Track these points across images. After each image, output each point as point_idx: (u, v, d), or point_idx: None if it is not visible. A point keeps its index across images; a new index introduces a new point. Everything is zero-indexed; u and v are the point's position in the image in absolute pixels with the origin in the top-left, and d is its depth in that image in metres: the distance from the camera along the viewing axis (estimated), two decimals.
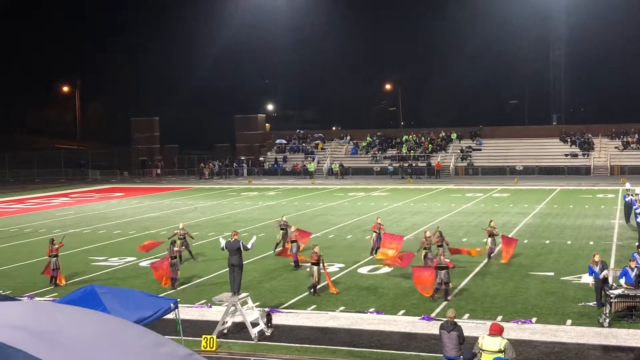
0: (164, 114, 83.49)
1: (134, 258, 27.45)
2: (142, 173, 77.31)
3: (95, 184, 67.31)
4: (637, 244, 23.23)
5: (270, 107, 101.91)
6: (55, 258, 22.86)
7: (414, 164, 69.25)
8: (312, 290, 20.80)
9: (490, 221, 26.35)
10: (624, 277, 18.05)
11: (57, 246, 23.15)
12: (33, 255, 28.63)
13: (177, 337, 14.43)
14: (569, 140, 69.09)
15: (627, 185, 35.53)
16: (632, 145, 66.72)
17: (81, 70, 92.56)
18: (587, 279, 20.50)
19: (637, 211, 29.25)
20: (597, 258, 18.73)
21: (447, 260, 20.04)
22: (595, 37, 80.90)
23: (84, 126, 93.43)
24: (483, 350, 12.13)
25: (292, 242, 25.11)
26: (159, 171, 76.77)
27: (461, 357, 12.82)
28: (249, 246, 18.35)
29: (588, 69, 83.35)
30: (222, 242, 18.78)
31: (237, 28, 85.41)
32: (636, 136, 67.34)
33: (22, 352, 3.55)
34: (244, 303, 17.40)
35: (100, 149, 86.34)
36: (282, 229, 27.15)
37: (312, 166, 70.46)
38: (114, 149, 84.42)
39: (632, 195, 32.85)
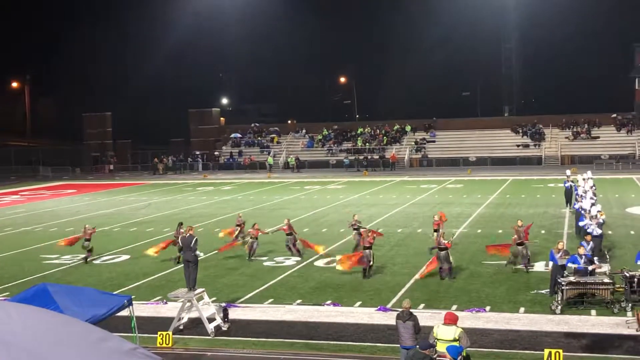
0: (117, 109, 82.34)
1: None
2: (95, 169, 76.24)
3: (47, 181, 66.15)
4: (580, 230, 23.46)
5: (225, 101, 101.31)
6: (87, 241, 25.60)
7: (369, 157, 69.57)
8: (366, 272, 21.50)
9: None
10: (572, 263, 18.33)
11: (90, 231, 25.80)
12: None
13: (132, 334, 14.30)
14: (520, 131, 70.11)
15: (567, 172, 36.24)
16: (581, 135, 67.99)
17: (31, 65, 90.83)
18: (540, 267, 20.91)
19: (577, 194, 29.81)
20: (560, 246, 18.96)
21: (446, 242, 21.11)
22: (545, 30, 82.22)
23: (34, 122, 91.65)
24: (438, 339, 12.23)
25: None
26: (111, 167, 75.85)
27: (417, 346, 12.91)
28: (198, 253, 18.44)
29: (538, 62, 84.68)
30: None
31: (191, 22, 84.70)
32: (585, 126, 68.65)
33: None
34: (200, 298, 17.29)
35: (51, 145, 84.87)
36: (355, 229, 25.59)
37: (271, 160, 70.35)
38: (65, 145, 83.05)
39: (571, 181, 33.59)
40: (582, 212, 24.84)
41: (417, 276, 21.42)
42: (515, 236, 22.45)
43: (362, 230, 23.93)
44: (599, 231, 22.13)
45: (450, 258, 21.10)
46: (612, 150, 64.11)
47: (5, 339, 3.29)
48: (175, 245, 24.20)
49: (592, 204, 25.71)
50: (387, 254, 25.10)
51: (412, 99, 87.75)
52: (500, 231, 29.12)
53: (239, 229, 26.81)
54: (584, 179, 31.44)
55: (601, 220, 23.46)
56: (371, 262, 21.79)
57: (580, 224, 23.41)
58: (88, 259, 25.89)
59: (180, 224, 25.12)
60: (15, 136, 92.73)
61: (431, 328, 12.81)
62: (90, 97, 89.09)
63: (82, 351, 3.42)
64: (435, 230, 23.89)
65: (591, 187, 30.65)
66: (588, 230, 22.36)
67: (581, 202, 26.75)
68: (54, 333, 3.54)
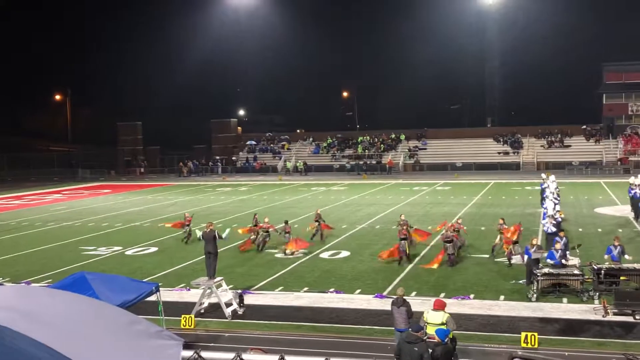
0: (147, 119, 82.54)
1: (120, 248, 27.13)
2: (127, 172, 76.30)
3: (85, 182, 66.28)
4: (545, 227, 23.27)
5: (241, 112, 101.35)
6: (188, 226, 27.49)
7: (368, 162, 69.48)
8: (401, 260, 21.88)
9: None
10: (550, 259, 18.32)
11: (189, 218, 27.99)
12: (30, 246, 28.15)
13: (159, 317, 14.32)
14: (501, 140, 69.93)
15: (543, 175, 36.19)
16: (555, 144, 67.80)
17: (72, 80, 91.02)
18: (518, 259, 20.84)
19: (544, 195, 29.79)
20: (534, 242, 18.97)
21: (454, 234, 22.24)
22: (523, 52, 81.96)
23: (74, 130, 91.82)
24: (428, 323, 12.22)
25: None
26: (142, 170, 75.93)
27: (409, 329, 12.88)
28: (223, 236, 18.30)
29: (518, 79, 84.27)
30: (199, 233, 18.79)
31: (212, 41, 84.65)
32: (559, 136, 68.45)
33: (7, 328, 3.51)
34: (219, 286, 17.29)
35: (89, 150, 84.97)
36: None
37: (289, 164, 70.28)
38: (101, 150, 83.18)
39: (545, 181, 33.62)
40: (545, 211, 24.88)
41: (427, 265, 21.40)
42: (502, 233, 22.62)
43: (401, 222, 24.05)
44: (554, 229, 22.11)
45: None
46: (582, 158, 63.86)
47: (48, 320, 3.33)
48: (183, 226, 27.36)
49: (556, 204, 25.76)
50: (383, 248, 25.04)
51: (406, 111, 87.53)
52: (483, 228, 29.07)
53: (255, 227, 26.52)
54: (551, 182, 31.63)
55: (559, 219, 23.47)
56: (407, 252, 22.14)
57: (543, 221, 23.33)
58: (187, 241, 27.21)
59: (255, 215, 26.52)
60: (58, 142, 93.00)
61: (422, 313, 12.80)
62: (124, 109, 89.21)
63: (114, 333, 3.44)
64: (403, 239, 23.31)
65: (555, 189, 30.79)
66: (544, 229, 22.37)
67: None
68: (89, 316, 3.56)
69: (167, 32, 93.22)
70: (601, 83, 70.19)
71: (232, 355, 3.37)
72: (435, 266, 21.06)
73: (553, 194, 29.42)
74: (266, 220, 25.75)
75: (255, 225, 26.36)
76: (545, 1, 78.90)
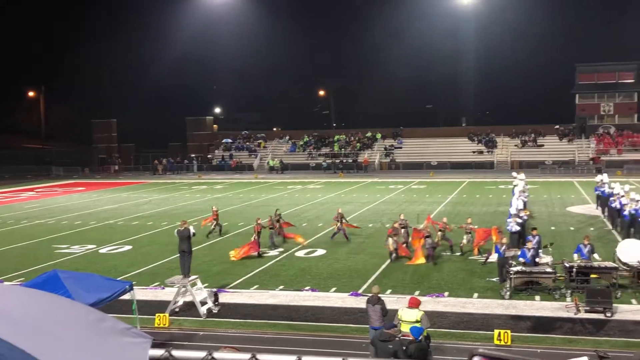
0: (122, 116, 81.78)
1: (94, 246, 26.86)
2: (102, 169, 75.52)
3: (59, 180, 65.44)
4: (506, 226, 23.42)
5: (217, 110, 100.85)
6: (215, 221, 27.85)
7: (344, 160, 69.56)
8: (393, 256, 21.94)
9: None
10: (522, 257, 18.51)
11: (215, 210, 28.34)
12: (3, 244, 27.75)
13: (133, 316, 14.20)
14: (475, 139, 70.43)
15: (514, 174, 36.70)
16: (528, 143, 68.48)
17: (46, 77, 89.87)
18: (492, 258, 21.00)
19: (514, 194, 30.21)
20: (504, 240, 19.16)
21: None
22: (498, 52, 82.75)
23: (48, 128, 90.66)
24: (402, 320, 12.26)
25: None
26: (116, 167, 75.20)
27: (384, 327, 12.93)
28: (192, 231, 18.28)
29: (492, 80, 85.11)
30: (192, 230, 18.68)
31: (188, 39, 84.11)
32: (532, 136, 69.14)
33: None
34: (194, 284, 17.19)
35: (63, 148, 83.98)
36: (403, 227, 24.28)
37: (272, 162, 70.04)
38: (75, 147, 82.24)
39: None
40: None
41: (412, 262, 21.71)
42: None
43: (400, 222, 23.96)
44: (517, 228, 22.35)
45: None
46: (555, 157, 64.59)
47: (15, 318, 3.29)
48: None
49: (524, 203, 26.07)
50: (359, 246, 25.13)
51: (382, 110, 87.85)
52: (453, 226, 29.21)
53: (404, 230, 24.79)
54: (519, 180, 32.18)
55: (525, 218, 23.73)
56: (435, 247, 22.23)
57: (508, 220, 23.54)
58: (221, 231, 28.19)
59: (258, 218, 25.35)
60: (31, 139, 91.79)
61: (397, 311, 12.83)
62: (98, 106, 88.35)
63: (82, 329, 3.42)
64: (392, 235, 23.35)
65: (524, 187, 31.32)
66: (507, 228, 22.59)
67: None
68: (58, 314, 3.52)
69: (142, 29, 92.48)
70: (574, 83, 71.06)
71: (203, 353, 3.34)
72: (421, 261, 21.33)
73: (524, 192, 29.87)
74: (258, 221, 25.21)
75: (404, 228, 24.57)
76: (519, 3, 79.69)
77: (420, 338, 11.29)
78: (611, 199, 28.29)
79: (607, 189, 30.91)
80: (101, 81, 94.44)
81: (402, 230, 23.75)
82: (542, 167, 61.35)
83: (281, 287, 19.34)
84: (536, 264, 18.17)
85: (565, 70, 74.17)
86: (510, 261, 18.31)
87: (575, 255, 18.61)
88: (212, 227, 28.11)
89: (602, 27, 79.24)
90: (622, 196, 27.25)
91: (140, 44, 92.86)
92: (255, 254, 23.45)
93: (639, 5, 78.90)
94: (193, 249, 18.61)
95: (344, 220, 26.70)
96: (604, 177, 33.39)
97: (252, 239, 23.97)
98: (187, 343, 14.56)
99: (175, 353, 3.48)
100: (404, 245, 22.91)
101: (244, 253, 23.18)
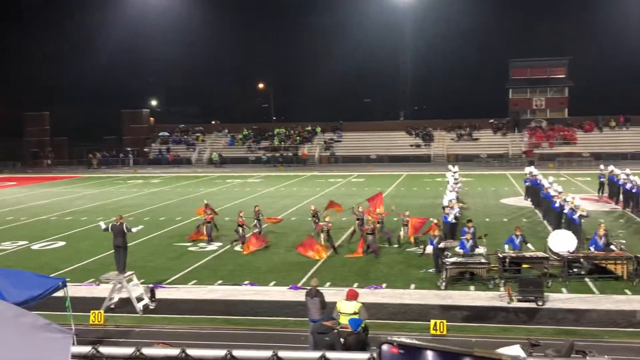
0: (55, 108, 79.32)
1: (26, 242, 26.07)
2: (34, 164, 73.18)
3: None
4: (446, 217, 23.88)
5: (154, 102, 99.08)
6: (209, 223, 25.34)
7: (284, 154, 69.49)
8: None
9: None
10: (461, 248, 18.91)
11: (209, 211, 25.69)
12: None
13: (67, 313, 13.84)
14: (413, 133, 71.44)
15: (450, 167, 37.56)
16: (464, 137, 69.90)
17: None
18: (429, 249, 21.36)
19: (448, 187, 30.93)
20: (437, 232, 19.50)
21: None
22: (434, 47, 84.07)
23: None
24: (341, 313, 12.33)
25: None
26: (49, 162, 73.05)
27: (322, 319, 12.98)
28: (133, 230, 17.90)
29: (429, 74, 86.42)
30: (102, 225, 18.29)
31: (123, 28, 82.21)
32: (468, 129, 70.59)
33: None
34: (130, 280, 16.89)
35: None
36: (358, 219, 24.40)
37: (216, 155, 69.22)
38: (6, 141, 79.36)
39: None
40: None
41: (352, 255, 21.99)
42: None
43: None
44: (453, 220, 22.82)
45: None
46: (490, 150, 66.13)
47: None
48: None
49: (457, 196, 26.68)
50: (299, 240, 25.12)
51: (321, 104, 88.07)
52: (395, 219, 29.55)
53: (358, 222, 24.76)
54: (452, 174, 32.93)
55: (457, 209, 24.27)
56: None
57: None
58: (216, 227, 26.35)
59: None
60: None
61: (335, 303, 12.91)
62: (29, 98, 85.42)
63: (0, 326, 3.32)
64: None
65: (455, 180, 32.12)
66: (443, 219, 23.06)
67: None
68: None
69: (76, 19, 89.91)
70: (508, 78, 72.87)
71: (132, 350, 3.27)
72: (360, 255, 21.60)
73: (456, 184, 30.60)
74: (241, 214, 24.72)
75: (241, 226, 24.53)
76: None
77: (358, 330, 11.38)
78: (542, 191, 29.16)
79: (543, 182, 32.04)
80: (33, 72, 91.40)
81: (357, 221, 24.45)
82: (477, 160, 62.77)
83: (219, 282, 19.20)
84: (471, 255, 18.59)
85: (499, 65, 75.99)
86: (446, 252, 18.68)
87: (507, 246, 19.13)
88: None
89: (534, 23, 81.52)
90: (548, 188, 28.21)
91: (74, 35, 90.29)
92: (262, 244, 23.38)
93: (570, 2, 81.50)
94: (130, 243, 18.26)
95: (261, 217, 26.19)
96: (532, 169, 34.62)
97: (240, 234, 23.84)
98: (122, 340, 14.29)
99: (103, 350, 3.40)
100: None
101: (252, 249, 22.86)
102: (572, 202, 22.88)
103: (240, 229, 23.91)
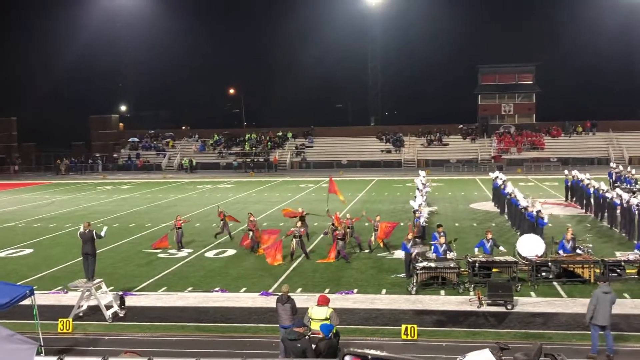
0: (22, 114, 78.13)
1: None
2: (0, 170, 71.96)
3: None
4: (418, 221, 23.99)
5: (123, 108, 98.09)
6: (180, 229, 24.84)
7: (255, 160, 69.33)
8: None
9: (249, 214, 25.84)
10: (434, 253, 19.04)
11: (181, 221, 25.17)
12: None
13: (34, 322, 13.61)
14: (384, 138, 71.83)
15: (420, 172, 38.01)
16: (434, 142, 70.50)
17: None
18: (400, 254, 21.45)
19: (417, 192, 31.20)
20: (410, 236, 19.60)
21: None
22: (405, 54, 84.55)
23: None
24: (312, 318, 12.32)
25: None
26: (16, 168, 71.91)
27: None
28: (102, 234, 17.67)
29: (399, 80, 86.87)
30: (103, 234, 17.95)
31: (92, 32, 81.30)
32: (438, 135, 71.23)
33: None
34: (98, 288, 16.67)
35: None
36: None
37: (186, 162, 68.68)
38: None
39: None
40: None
41: (323, 260, 22.02)
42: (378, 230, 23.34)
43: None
44: (424, 224, 22.97)
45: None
46: (459, 155, 66.82)
47: None
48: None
49: (422, 201, 26.92)
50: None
51: (293, 109, 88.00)
52: (366, 224, 29.66)
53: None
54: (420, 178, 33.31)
55: (425, 213, 24.50)
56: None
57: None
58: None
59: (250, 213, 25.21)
60: None
61: (307, 309, 12.89)
62: None
63: None
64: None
65: (424, 185, 32.43)
66: (416, 222, 23.21)
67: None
68: None
69: (43, 22, 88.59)
70: (477, 85, 73.70)
71: (99, 359, 3.23)
72: (332, 260, 21.72)
73: (425, 186, 30.91)
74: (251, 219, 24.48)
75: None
76: (426, 4, 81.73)
77: (330, 335, 11.37)
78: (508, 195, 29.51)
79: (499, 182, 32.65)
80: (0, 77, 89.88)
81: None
82: (447, 165, 63.34)
83: (190, 288, 19.05)
84: (441, 260, 18.71)
85: (469, 71, 76.83)
86: (417, 257, 18.78)
87: (477, 250, 19.30)
88: (220, 229, 26.56)
89: (503, 30, 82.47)
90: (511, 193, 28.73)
91: (43, 40, 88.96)
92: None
93: (538, 9, 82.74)
94: (99, 250, 18.03)
95: (226, 214, 26.48)
96: (497, 173, 35.31)
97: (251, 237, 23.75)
98: (91, 348, 14.08)
99: (69, 359, 3.35)
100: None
101: (274, 254, 22.24)
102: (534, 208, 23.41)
103: (251, 233, 23.95)
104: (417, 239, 20.55)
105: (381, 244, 23.54)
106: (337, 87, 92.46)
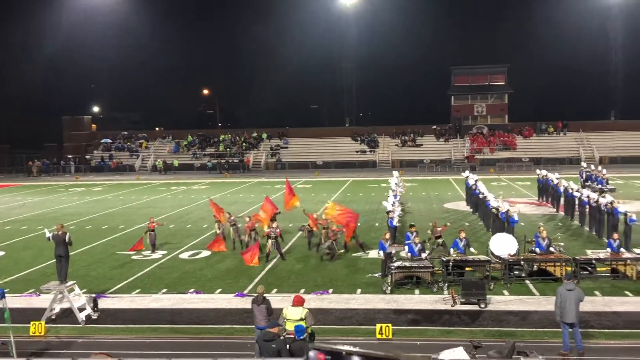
0: None
1: None
2: None
3: None
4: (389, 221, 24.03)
5: (96, 109, 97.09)
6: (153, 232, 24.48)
7: (230, 160, 69.06)
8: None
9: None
10: (409, 252, 19.17)
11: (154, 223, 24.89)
12: None
13: (5, 325, 13.41)
14: (359, 139, 72.04)
15: (394, 172, 38.45)
16: (408, 143, 70.88)
17: None
18: (374, 254, 21.53)
19: (390, 192, 31.38)
20: (387, 236, 19.68)
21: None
22: (378, 55, 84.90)
23: None
24: (287, 319, 12.30)
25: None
26: None
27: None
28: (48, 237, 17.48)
29: (374, 81, 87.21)
30: (48, 234, 17.72)
31: (64, 34, 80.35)
32: (412, 135, 71.64)
33: None
34: (71, 290, 16.49)
35: None
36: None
37: (176, 162, 68.14)
38: None
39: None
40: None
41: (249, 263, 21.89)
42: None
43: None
44: (396, 224, 23.08)
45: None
46: (433, 156, 67.26)
47: None
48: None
49: (394, 201, 27.09)
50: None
51: (268, 110, 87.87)
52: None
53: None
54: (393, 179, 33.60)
55: (398, 213, 24.60)
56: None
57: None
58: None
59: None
60: None
61: (282, 310, 12.87)
62: None
63: None
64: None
65: (397, 185, 32.68)
66: (388, 222, 23.26)
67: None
68: None
69: (15, 22, 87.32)
70: (450, 86, 74.27)
71: None
72: (254, 263, 21.68)
73: (398, 186, 31.12)
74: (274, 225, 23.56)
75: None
76: (400, 7, 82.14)
77: (303, 336, 11.36)
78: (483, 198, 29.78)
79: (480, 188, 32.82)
80: None
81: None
82: (421, 165, 63.73)
83: (164, 290, 18.91)
84: (416, 259, 18.83)
85: (442, 72, 77.39)
86: (392, 256, 18.87)
87: (452, 249, 19.44)
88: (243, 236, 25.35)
89: (475, 32, 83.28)
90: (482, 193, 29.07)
91: (13, 39, 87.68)
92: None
93: (510, 12, 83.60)
94: (72, 253, 17.82)
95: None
96: (468, 172, 35.88)
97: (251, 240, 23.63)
98: (64, 351, 13.91)
99: None
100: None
101: (251, 256, 22.18)
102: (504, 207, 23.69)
103: (253, 233, 23.89)
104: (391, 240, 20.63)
105: (347, 241, 23.56)
106: (311, 88, 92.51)
